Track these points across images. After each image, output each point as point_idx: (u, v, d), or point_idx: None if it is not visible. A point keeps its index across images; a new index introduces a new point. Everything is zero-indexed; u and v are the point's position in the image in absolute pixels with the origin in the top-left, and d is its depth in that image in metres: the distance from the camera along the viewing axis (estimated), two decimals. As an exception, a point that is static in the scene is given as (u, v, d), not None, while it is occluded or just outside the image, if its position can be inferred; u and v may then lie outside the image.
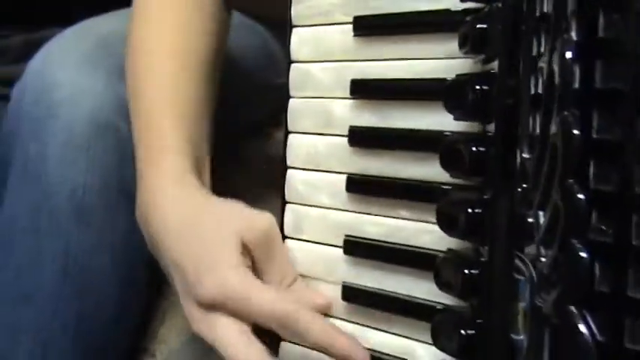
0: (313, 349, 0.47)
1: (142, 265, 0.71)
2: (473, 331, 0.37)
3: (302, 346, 0.49)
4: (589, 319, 0.29)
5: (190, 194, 0.50)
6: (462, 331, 0.37)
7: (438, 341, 0.40)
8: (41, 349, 0.67)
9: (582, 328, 0.29)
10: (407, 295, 0.44)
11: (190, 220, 0.49)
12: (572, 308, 0.29)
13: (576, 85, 0.30)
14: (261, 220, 0.48)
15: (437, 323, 0.40)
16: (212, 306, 0.46)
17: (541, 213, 0.33)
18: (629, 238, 0.28)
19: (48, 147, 0.66)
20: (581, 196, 0.30)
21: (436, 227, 0.42)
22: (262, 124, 0.80)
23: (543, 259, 0.32)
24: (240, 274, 0.46)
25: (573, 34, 0.31)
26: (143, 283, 0.71)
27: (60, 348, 0.67)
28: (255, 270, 0.48)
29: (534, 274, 0.32)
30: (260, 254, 0.48)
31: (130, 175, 0.69)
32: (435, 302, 0.42)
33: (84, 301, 0.67)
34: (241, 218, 0.49)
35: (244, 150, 0.82)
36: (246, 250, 0.47)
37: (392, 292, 0.45)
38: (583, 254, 0.29)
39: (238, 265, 0.46)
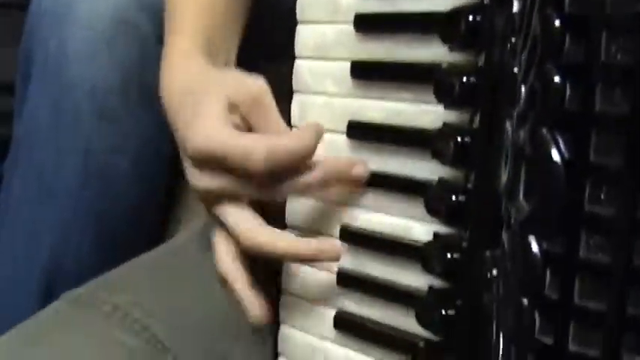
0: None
1: (161, 167, 0.70)
2: (463, 197, 0.37)
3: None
4: (560, 140, 0.30)
5: (194, 66, 0.52)
6: (453, 197, 0.37)
7: (430, 209, 0.39)
8: (62, 246, 0.67)
9: (554, 151, 0.30)
10: (408, 175, 0.43)
11: (189, 85, 0.50)
12: (545, 132, 0.30)
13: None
14: (251, 82, 0.48)
15: (432, 193, 0.39)
16: (201, 162, 0.47)
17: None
18: (599, 57, 0.29)
19: (67, 43, 0.66)
20: (557, 22, 0.30)
21: (435, 107, 0.40)
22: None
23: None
24: (220, 125, 0.46)
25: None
26: (161, 187, 0.71)
27: (80, 246, 0.67)
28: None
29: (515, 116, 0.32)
30: (249, 114, 0.47)
31: (151, 74, 0.67)
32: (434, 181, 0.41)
33: (103, 201, 0.68)
34: (232, 79, 0.49)
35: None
36: (234, 108, 0.47)
37: (393, 173, 0.44)
38: (556, 77, 0.30)
39: (220, 118, 0.46)
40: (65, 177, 0.68)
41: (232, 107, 0.47)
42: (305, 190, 0.46)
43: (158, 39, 0.68)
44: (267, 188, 0.46)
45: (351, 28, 0.48)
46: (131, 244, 0.70)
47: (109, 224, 0.68)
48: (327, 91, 0.49)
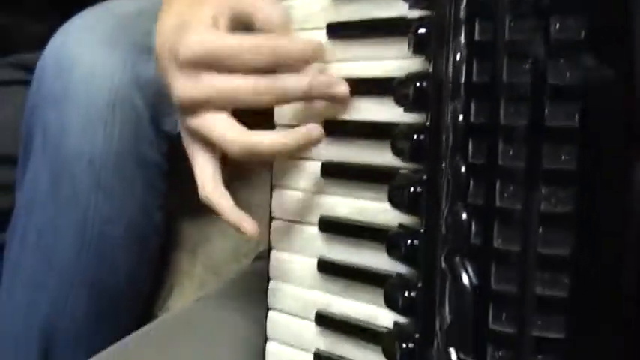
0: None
1: (153, 234, 0.75)
2: (414, 293, 0.42)
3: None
4: (468, 267, 0.36)
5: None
6: (406, 292, 0.42)
7: (388, 302, 0.44)
8: (59, 309, 0.71)
9: (464, 275, 0.36)
10: (370, 267, 0.47)
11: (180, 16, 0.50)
12: (457, 259, 0.37)
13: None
14: None
15: (388, 287, 0.44)
16: (193, 64, 0.48)
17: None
18: (495, 202, 0.35)
19: (67, 120, 0.71)
20: (463, 168, 0.37)
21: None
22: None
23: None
24: (210, 29, 0.48)
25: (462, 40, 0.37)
26: (153, 252, 0.76)
27: (75, 309, 0.71)
28: None
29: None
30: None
31: (144, 148, 0.73)
32: (393, 272, 0.45)
33: (98, 267, 0.72)
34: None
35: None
36: (217, 20, 0.49)
37: (358, 264, 0.48)
38: (463, 215, 0.37)
39: (208, 25, 0.48)
40: (62, 244, 0.72)
41: (215, 20, 0.48)
42: (290, 97, 0.48)
43: (151, 116, 0.73)
44: (254, 93, 0.47)
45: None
46: (125, 308, 0.74)
47: (104, 289, 0.72)
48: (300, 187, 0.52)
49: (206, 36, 0.48)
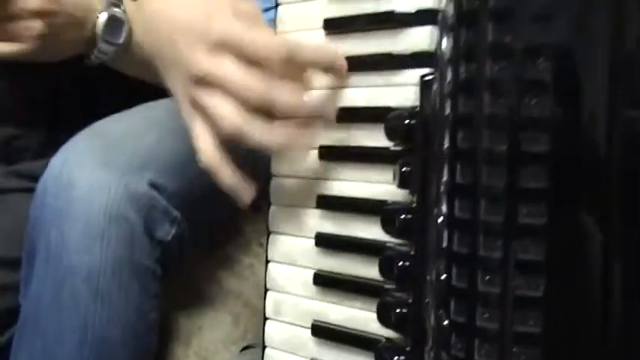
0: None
1: (150, 334, 0.81)
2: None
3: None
4: None
5: None
6: None
7: None
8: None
9: None
10: None
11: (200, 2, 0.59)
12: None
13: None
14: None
15: None
16: (218, 46, 0.55)
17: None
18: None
19: (67, 236, 0.77)
20: (445, 322, 0.43)
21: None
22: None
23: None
24: (239, 23, 0.56)
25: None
26: (150, 350, 0.82)
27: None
28: None
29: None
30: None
31: (138, 257, 0.79)
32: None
33: (101, 368, 0.78)
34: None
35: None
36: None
37: None
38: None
39: (235, 18, 0.56)
40: (66, 349, 0.78)
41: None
42: (281, 108, 0.55)
43: (144, 227, 0.80)
44: (265, 86, 0.54)
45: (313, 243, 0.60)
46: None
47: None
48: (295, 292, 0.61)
49: (238, 25, 0.55)
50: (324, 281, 0.58)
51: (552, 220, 0.40)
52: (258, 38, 0.55)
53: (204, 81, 0.57)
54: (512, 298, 0.41)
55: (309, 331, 0.59)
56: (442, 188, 0.45)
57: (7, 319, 0.85)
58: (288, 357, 0.60)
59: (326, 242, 0.58)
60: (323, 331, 0.57)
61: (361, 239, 0.56)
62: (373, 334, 0.54)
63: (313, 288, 0.58)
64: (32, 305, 0.80)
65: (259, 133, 0.55)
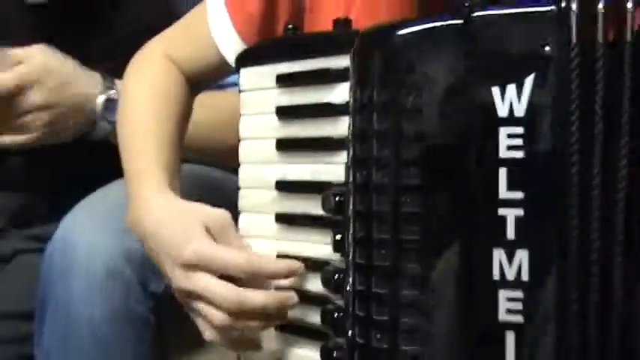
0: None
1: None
2: None
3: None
4: None
5: (169, 199, 0.71)
6: None
7: None
8: None
9: None
10: None
11: (170, 216, 0.69)
12: None
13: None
14: (217, 212, 0.69)
15: None
16: (191, 267, 0.66)
17: None
18: None
19: (72, 290, 0.89)
20: None
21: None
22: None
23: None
24: (207, 242, 0.66)
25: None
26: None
27: None
28: None
29: None
30: (218, 236, 0.67)
31: (135, 306, 0.91)
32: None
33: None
34: (203, 211, 0.69)
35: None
36: (209, 232, 0.67)
37: None
38: None
39: (205, 237, 0.66)
40: (72, 390, 0.90)
41: (208, 231, 0.67)
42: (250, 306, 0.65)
43: (139, 281, 0.92)
44: (228, 296, 0.65)
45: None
46: None
47: None
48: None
49: (207, 246, 0.66)
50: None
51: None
52: (226, 257, 0.66)
53: (186, 293, 0.68)
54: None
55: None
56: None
57: None
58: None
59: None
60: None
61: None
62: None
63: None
64: (44, 353, 0.92)
65: (240, 326, 0.67)
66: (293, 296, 0.66)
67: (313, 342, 0.66)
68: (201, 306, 0.67)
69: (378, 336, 0.54)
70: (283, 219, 0.70)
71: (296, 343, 0.69)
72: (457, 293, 0.53)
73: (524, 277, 0.51)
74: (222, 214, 0.69)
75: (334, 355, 0.62)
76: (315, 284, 0.66)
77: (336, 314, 0.62)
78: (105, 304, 0.89)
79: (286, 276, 0.67)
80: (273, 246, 0.71)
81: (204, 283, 0.66)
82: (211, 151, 1.00)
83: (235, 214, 0.73)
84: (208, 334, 0.69)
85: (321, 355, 0.63)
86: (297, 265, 0.67)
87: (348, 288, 0.60)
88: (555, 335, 0.51)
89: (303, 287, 0.68)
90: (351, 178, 0.59)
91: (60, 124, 0.96)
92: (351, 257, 0.60)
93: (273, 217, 0.71)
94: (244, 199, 0.74)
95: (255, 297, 0.66)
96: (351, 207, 0.60)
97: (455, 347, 0.53)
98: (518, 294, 0.51)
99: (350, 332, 0.58)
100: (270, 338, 0.71)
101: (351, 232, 0.59)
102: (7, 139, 0.97)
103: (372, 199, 0.57)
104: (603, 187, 0.50)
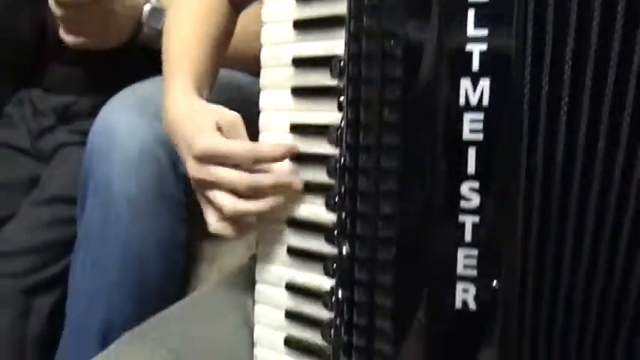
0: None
1: (179, 252, 1.02)
2: None
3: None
4: None
5: (191, 101, 0.78)
6: None
7: None
8: (112, 306, 0.99)
9: None
10: None
11: (189, 115, 0.75)
12: None
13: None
14: (229, 112, 0.74)
15: None
16: (203, 158, 0.71)
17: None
18: None
19: (111, 170, 0.98)
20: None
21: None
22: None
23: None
24: (216, 136, 0.72)
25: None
26: (179, 258, 1.03)
27: (124, 306, 0.99)
28: None
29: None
30: (228, 133, 0.73)
31: (166, 188, 1.00)
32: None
33: (139, 274, 0.99)
34: (217, 111, 0.75)
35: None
36: (220, 130, 0.73)
37: None
38: None
39: (215, 133, 0.72)
40: (111, 261, 0.99)
41: (219, 129, 0.73)
42: (262, 188, 0.71)
43: (171, 163, 1.00)
44: (240, 182, 0.70)
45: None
46: (160, 307, 1.01)
47: (144, 290, 0.99)
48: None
49: (214, 140, 0.72)
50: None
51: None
52: (232, 146, 0.71)
53: (199, 182, 0.73)
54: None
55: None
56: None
57: (69, 245, 1.08)
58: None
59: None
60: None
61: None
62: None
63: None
64: (85, 227, 1.02)
65: (251, 208, 0.72)
66: (298, 182, 0.72)
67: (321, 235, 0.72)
68: (212, 193, 0.73)
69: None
70: (298, 91, 0.77)
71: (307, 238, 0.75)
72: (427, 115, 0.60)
73: (485, 102, 0.59)
74: (233, 114, 0.75)
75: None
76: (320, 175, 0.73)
77: (336, 198, 0.69)
78: (140, 184, 0.98)
79: (286, 156, 0.73)
80: (288, 117, 0.78)
81: (215, 170, 0.72)
82: (243, 61, 1.07)
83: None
84: (215, 225, 0.74)
85: (327, 238, 0.70)
86: (296, 147, 0.73)
87: (340, 164, 0.67)
88: (510, 150, 0.59)
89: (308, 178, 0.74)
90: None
91: (112, 25, 1.05)
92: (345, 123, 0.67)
93: (289, 91, 0.78)
94: (264, 78, 0.81)
95: (264, 177, 0.72)
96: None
97: (425, 161, 0.61)
98: (480, 116, 0.59)
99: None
100: (282, 233, 0.76)
101: (346, 95, 0.66)
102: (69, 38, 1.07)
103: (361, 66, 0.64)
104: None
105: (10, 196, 1.21)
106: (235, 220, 0.73)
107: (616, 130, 0.58)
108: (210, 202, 0.74)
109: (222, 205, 0.72)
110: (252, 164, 0.72)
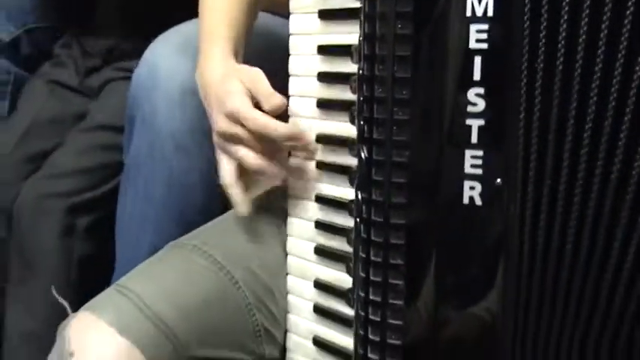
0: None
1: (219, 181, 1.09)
2: None
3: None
4: None
5: (227, 65, 0.84)
6: None
7: None
8: (159, 230, 1.07)
9: None
10: None
11: (222, 78, 0.83)
12: None
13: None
14: (249, 70, 0.80)
15: None
16: (232, 116, 0.78)
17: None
18: None
19: (156, 106, 1.06)
20: None
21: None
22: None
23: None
24: (243, 100, 0.78)
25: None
26: (218, 194, 1.10)
27: (170, 230, 1.06)
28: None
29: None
30: (250, 87, 0.78)
31: (208, 122, 1.07)
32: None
33: (183, 202, 1.07)
34: (241, 70, 0.82)
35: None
36: (244, 84, 0.78)
37: None
38: None
39: (243, 95, 0.78)
40: (158, 189, 1.07)
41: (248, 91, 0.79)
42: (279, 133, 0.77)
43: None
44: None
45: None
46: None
47: (189, 219, 1.07)
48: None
49: (244, 105, 0.79)
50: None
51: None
52: (255, 118, 0.77)
53: (224, 135, 0.80)
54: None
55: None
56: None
57: (113, 170, 1.18)
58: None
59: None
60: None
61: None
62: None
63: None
64: (133, 158, 1.10)
65: (267, 168, 0.80)
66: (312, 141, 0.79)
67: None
68: (236, 148, 0.80)
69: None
70: (325, 14, 0.81)
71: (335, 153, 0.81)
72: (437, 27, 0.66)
73: (490, 13, 0.65)
74: (254, 70, 0.81)
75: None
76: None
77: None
78: (184, 118, 1.05)
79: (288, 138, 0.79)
80: (316, 40, 0.83)
81: (239, 128, 0.79)
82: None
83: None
84: (228, 179, 0.82)
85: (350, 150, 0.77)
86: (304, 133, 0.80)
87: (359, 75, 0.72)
88: (514, 57, 0.64)
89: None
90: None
91: None
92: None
93: (316, 14, 0.81)
94: (293, 24, 0.86)
95: (280, 125, 0.79)
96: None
97: (435, 69, 0.67)
98: (485, 26, 0.65)
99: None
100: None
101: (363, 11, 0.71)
102: None
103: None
104: None
105: (60, 129, 1.32)
106: (247, 177, 0.81)
107: (617, 33, 0.62)
108: (232, 156, 0.81)
109: (243, 157, 0.80)
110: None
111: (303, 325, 0.83)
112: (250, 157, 0.80)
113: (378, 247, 0.71)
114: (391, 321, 0.70)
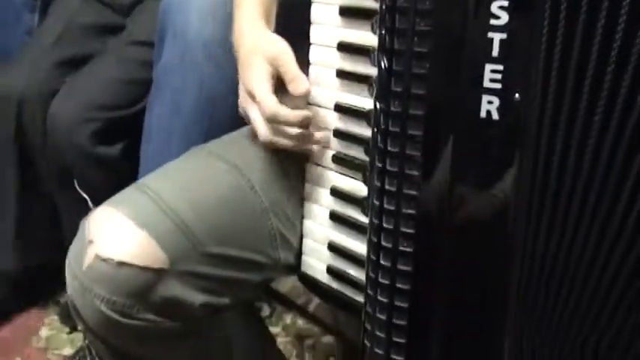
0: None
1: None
2: None
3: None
4: None
5: (258, 27, 0.87)
6: None
7: None
8: (187, 141, 1.09)
9: None
10: None
11: (252, 48, 0.86)
12: None
13: None
14: (274, 48, 0.83)
15: None
16: (248, 92, 0.84)
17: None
18: None
19: (188, 18, 1.07)
20: None
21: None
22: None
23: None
24: (261, 83, 0.82)
25: None
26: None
27: (197, 138, 1.08)
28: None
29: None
30: (272, 64, 0.81)
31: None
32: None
33: (211, 112, 1.09)
34: (266, 48, 0.84)
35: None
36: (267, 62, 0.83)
37: None
38: None
39: (263, 78, 0.82)
40: (188, 100, 1.09)
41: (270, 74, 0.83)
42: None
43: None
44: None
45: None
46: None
47: (215, 125, 1.09)
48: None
49: (260, 89, 0.81)
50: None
51: None
52: (268, 105, 0.80)
53: (242, 99, 0.84)
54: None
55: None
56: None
57: (144, 86, 1.19)
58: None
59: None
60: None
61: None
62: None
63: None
64: (164, 70, 1.11)
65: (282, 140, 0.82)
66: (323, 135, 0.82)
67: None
68: (253, 115, 0.84)
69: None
70: (345, 11, 0.81)
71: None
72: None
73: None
74: (281, 49, 0.82)
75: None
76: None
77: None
78: (214, 28, 1.06)
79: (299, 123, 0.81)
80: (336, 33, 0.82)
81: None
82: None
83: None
84: (258, 129, 0.85)
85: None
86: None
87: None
88: None
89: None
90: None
91: None
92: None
93: (337, 8, 0.80)
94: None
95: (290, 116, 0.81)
96: None
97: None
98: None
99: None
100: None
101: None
102: None
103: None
104: None
105: (95, 37, 1.33)
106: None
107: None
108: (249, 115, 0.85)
109: (254, 122, 0.84)
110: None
111: (318, 231, 0.85)
112: (260, 129, 0.82)
113: (394, 158, 0.71)
114: (404, 229, 0.71)
